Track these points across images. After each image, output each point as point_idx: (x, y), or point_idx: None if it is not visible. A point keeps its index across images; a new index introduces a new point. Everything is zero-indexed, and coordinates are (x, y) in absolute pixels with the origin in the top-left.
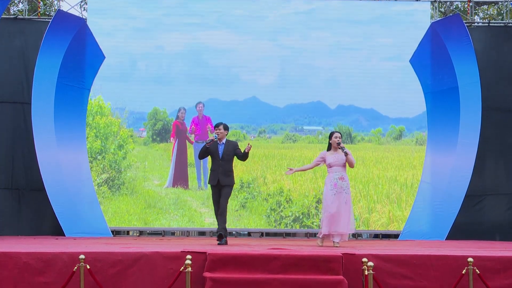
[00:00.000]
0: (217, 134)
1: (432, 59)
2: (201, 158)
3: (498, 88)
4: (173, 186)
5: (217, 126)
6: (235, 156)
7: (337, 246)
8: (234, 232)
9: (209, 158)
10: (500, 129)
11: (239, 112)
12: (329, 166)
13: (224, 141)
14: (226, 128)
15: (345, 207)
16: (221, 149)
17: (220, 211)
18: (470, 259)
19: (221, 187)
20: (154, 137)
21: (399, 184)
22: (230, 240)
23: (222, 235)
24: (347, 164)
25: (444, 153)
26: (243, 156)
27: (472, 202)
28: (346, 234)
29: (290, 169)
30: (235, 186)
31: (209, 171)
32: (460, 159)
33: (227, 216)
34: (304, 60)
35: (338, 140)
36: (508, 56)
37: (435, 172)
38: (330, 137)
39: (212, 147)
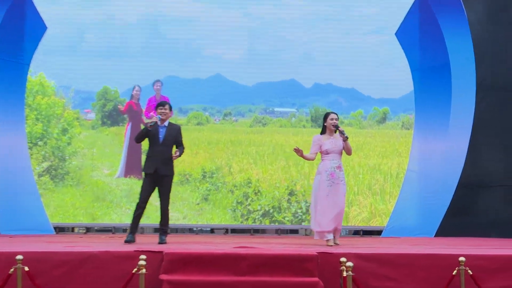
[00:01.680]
0: (161, 115)
1: (420, 32)
2: (138, 142)
3: (494, 64)
4: (125, 176)
5: (161, 105)
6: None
7: (337, 244)
8: (195, 229)
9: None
10: (496, 111)
11: (202, 92)
12: (326, 152)
13: (166, 123)
14: (171, 108)
15: (342, 200)
16: (162, 132)
17: (162, 210)
18: (461, 259)
19: (160, 178)
20: (104, 120)
21: (383, 174)
22: (190, 237)
23: (165, 230)
24: (343, 151)
25: (434, 138)
26: (180, 150)
27: (465, 194)
28: (340, 231)
29: (298, 150)
30: (196, 176)
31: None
32: (451, 145)
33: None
34: (276, 32)
35: (335, 122)
36: (506, 28)
37: (423, 160)
38: (325, 118)
39: (153, 130)
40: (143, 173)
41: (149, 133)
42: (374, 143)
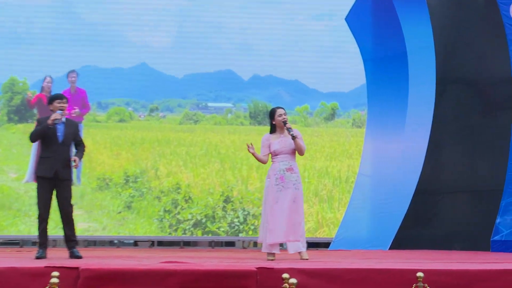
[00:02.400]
0: (61, 110)
1: (373, 17)
2: (34, 141)
3: (457, 54)
4: (35, 181)
5: (59, 98)
6: None
7: (305, 259)
8: (116, 241)
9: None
10: (459, 106)
11: (124, 84)
12: (274, 154)
13: (64, 119)
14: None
15: (294, 207)
16: (61, 130)
17: (67, 220)
18: (419, 274)
19: (59, 182)
20: (11, 115)
21: (331, 178)
22: (110, 251)
23: (75, 241)
24: (298, 149)
25: (389, 137)
26: (80, 152)
27: (423, 201)
28: (298, 242)
29: (251, 146)
30: (117, 180)
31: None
32: (408, 145)
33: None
34: (209, 17)
35: (284, 118)
36: (470, 13)
37: (377, 162)
38: (272, 115)
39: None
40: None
41: (48, 131)
42: (322, 143)
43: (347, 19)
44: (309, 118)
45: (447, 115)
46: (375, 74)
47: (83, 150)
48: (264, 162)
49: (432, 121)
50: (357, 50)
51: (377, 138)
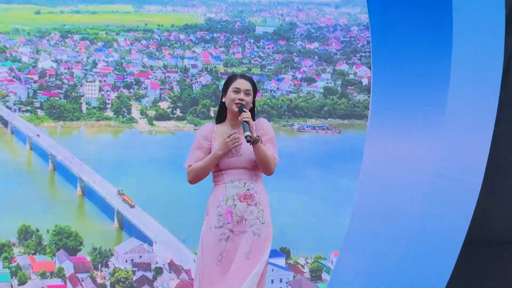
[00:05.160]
0: None
1: None
2: None
3: None
4: None
5: None
6: None
7: None
8: None
9: None
10: None
11: None
12: (219, 168)
13: None
14: None
15: (255, 270)
16: None
17: None
18: None
19: None
20: None
21: None
22: None
23: None
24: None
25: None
26: None
27: (477, 252)
28: None
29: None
30: None
31: None
32: (448, 161)
33: None
34: None
35: (242, 100)
36: None
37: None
38: (225, 88)
39: None
40: None
41: None
42: None
43: None
44: None
45: None
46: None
47: None
48: (204, 172)
49: (496, 120)
50: None
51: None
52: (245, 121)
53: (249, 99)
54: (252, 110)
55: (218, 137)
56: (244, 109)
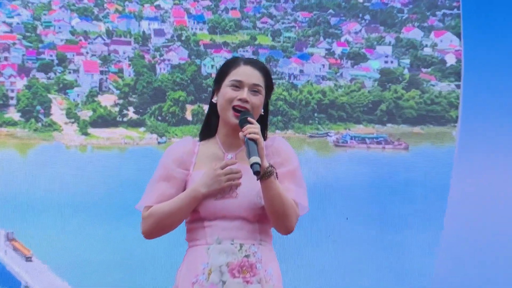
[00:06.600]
0: None
1: None
2: None
3: None
4: None
5: None
6: None
7: None
8: None
9: None
10: None
11: None
12: (198, 217)
13: None
14: None
15: None
16: None
17: None
18: None
19: None
20: None
21: None
22: None
23: None
24: (271, 211)
25: None
26: None
27: None
28: None
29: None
30: None
31: None
32: None
33: None
34: None
35: (242, 105)
36: None
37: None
38: (218, 80)
39: None
40: None
41: None
42: None
43: None
44: None
45: None
46: None
47: None
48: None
49: None
50: None
51: None
52: (250, 140)
53: (257, 100)
54: (263, 121)
55: (201, 163)
56: (249, 118)
